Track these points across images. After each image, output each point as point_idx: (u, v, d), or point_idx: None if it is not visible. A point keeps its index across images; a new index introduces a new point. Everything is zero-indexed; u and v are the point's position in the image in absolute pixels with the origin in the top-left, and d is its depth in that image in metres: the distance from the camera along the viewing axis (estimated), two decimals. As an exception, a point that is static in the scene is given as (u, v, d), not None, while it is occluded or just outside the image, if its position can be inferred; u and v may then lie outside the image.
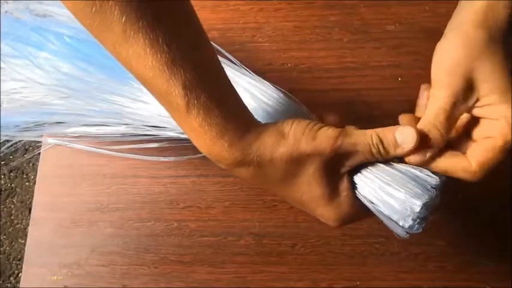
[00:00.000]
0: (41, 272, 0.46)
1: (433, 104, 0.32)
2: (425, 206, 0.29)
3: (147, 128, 0.44)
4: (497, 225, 0.45)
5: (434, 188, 0.29)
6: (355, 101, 0.48)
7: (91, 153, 0.49)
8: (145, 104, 0.44)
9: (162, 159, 0.46)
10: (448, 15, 0.52)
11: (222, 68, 0.31)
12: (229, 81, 0.31)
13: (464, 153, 0.32)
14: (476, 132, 0.33)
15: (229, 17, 0.51)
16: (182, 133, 0.42)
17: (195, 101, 0.28)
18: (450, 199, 0.46)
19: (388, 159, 0.31)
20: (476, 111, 0.33)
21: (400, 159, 0.32)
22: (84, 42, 0.45)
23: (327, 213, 0.33)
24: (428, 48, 0.50)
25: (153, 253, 0.46)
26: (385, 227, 0.46)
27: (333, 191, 0.32)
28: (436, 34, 0.51)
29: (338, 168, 0.32)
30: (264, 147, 0.30)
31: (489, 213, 0.45)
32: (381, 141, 0.31)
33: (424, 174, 0.30)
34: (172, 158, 0.46)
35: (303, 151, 0.30)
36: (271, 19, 0.52)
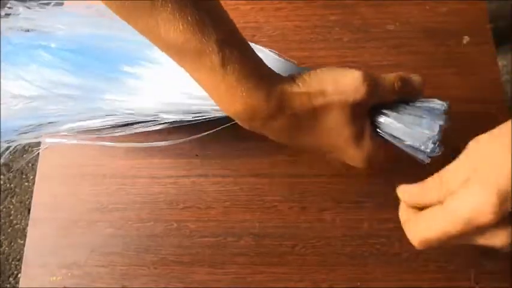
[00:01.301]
0: (40, 272, 0.46)
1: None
2: (440, 128, 0.33)
3: (144, 114, 0.44)
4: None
5: (443, 113, 0.34)
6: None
7: (90, 153, 0.49)
8: (137, 96, 0.44)
9: (159, 143, 0.46)
10: (448, 15, 0.52)
11: None
12: None
13: None
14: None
15: (229, 17, 0.51)
16: (176, 113, 0.43)
17: (230, 55, 0.30)
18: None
19: (405, 96, 0.35)
20: None
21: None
22: (72, 49, 0.46)
23: (356, 154, 0.34)
24: (429, 48, 0.50)
25: (153, 253, 0.46)
26: (385, 227, 0.46)
27: (359, 132, 0.33)
28: (436, 33, 0.51)
29: (362, 108, 0.33)
30: (295, 94, 0.32)
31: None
32: (402, 78, 0.34)
33: (433, 104, 0.34)
34: (171, 142, 0.46)
35: (329, 94, 0.32)
36: (272, 19, 0.52)
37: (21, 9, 0.48)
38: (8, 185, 1.16)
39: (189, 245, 0.46)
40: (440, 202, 0.29)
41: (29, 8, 0.48)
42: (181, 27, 0.28)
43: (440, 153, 0.33)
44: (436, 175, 0.30)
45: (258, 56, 0.33)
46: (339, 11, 0.51)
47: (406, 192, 0.32)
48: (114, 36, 0.46)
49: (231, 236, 0.46)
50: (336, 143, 0.34)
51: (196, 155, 0.48)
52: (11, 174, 1.16)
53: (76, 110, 0.45)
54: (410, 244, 0.44)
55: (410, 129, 0.33)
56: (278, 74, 0.33)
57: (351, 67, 0.49)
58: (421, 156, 0.34)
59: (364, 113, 0.34)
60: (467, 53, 0.49)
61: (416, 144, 0.33)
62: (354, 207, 0.46)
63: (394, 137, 0.34)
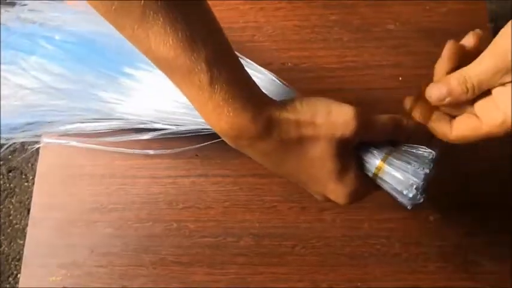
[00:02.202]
0: (39, 272, 0.46)
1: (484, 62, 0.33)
2: (425, 176, 0.33)
3: (140, 121, 0.44)
4: (497, 225, 0.45)
5: (431, 161, 0.34)
6: (355, 100, 0.48)
7: (90, 153, 0.49)
8: (135, 99, 0.44)
9: (158, 152, 0.46)
10: (448, 15, 0.52)
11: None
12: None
13: (454, 115, 0.35)
14: (478, 105, 0.34)
15: (229, 17, 0.51)
16: (173, 125, 0.43)
17: (219, 75, 0.29)
18: (450, 200, 0.46)
19: (396, 138, 0.35)
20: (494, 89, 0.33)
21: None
22: (74, 44, 0.46)
23: (338, 189, 0.34)
24: (428, 48, 0.50)
25: (152, 254, 0.46)
26: (385, 227, 0.46)
27: (343, 167, 0.33)
28: (436, 34, 0.51)
29: (349, 144, 0.33)
30: (284, 120, 0.31)
31: (489, 214, 0.45)
32: (395, 121, 0.34)
33: (422, 151, 0.34)
34: (168, 151, 0.46)
35: (318, 125, 0.32)
36: (271, 18, 0.52)
37: (27, 1, 0.48)
38: (7, 185, 1.16)
39: (189, 245, 0.46)
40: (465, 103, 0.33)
41: (34, -1, 0.48)
42: (171, 42, 0.28)
43: (422, 201, 0.33)
44: (459, 75, 0.33)
45: (248, 76, 0.32)
46: (338, 11, 0.51)
47: (434, 94, 0.34)
48: (117, 34, 0.45)
49: (231, 236, 0.46)
50: (319, 175, 0.33)
51: (196, 155, 0.48)
52: (10, 174, 1.16)
53: (74, 108, 0.45)
54: (411, 244, 0.45)
55: (396, 172, 0.33)
56: (268, 97, 0.33)
57: (350, 67, 0.49)
58: (403, 201, 0.34)
59: (351, 148, 0.34)
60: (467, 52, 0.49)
61: (400, 189, 0.33)
62: (354, 207, 0.46)
63: (379, 177, 0.34)
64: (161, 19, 0.27)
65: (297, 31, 0.51)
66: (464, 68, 0.33)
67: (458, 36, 0.50)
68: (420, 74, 0.49)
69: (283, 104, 0.32)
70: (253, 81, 0.32)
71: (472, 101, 0.34)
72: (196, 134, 0.43)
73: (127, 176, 0.48)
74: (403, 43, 0.50)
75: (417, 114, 0.36)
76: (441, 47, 0.51)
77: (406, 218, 0.45)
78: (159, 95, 0.43)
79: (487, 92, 0.33)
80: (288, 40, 0.51)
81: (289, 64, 0.50)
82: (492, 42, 0.32)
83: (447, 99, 0.33)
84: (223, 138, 0.33)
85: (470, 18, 0.51)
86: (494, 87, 0.32)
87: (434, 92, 0.34)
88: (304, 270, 0.45)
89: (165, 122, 0.43)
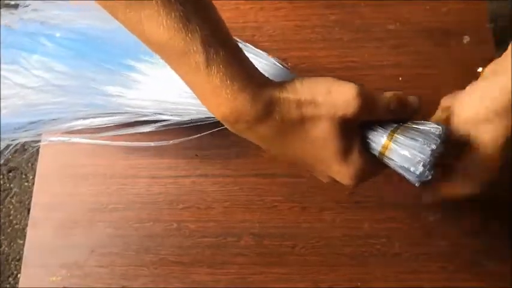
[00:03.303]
0: (39, 272, 0.46)
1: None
2: (432, 153, 0.32)
3: (143, 113, 0.44)
4: (497, 225, 0.45)
5: (438, 137, 0.32)
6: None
7: (90, 153, 0.49)
8: (139, 92, 0.44)
9: (159, 143, 0.46)
10: (448, 15, 0.52)
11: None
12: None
13: None
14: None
15: (229, 17, 0.51)
16: (177, 115, 0.43)
17: (215, 56, 0.28)
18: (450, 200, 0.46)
19: (400, 116, 0.35)
20: None
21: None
22: (74, 41, 0.46)
23: (342, 170, 0.33)
24: (429, 48, 0.50)
25: (153, 254, 0.46)
26: (385, 227, 0.46)
27: (347, 147, 0.32)
28: (436, 34, 0.51)
29: (352, 123, 0.32)
30: (284, 100, 0.31)
31: (490, 214, 0.45)
32: (399, 98, 0.34)
33: (428, 127, 0.33)
34: (171, 142, 0.46)
35: (319, 104, 0.31)
36: (272, 18, 0.51)
37: (29, 1, 0.48)
38: (7, 185, 1.16)
39: (189, 245, 0.46)
40: None
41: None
42: (164, 23, 0.27)
43: (431, 177, 0.32)
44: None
45: (246, 57, 0.32)
46: (339, 11, 0.51)
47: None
48: (119, 30, 0.45)
49: (231, 236, 0.46)
50: (322, 155, 0.32)
51: (196, 155, 0.48)
52: (10, 174, 1.16)
53: (76, 105, 0.45)
54: (411, 244, 0.45)
55: (402, 150, 0.33)
56: (267, 78, 0.32)
57: (351, 67, 0.49)
58: (411, 178, 0.33)
59: (355, 128, 0.33)
60: (467, 53, 0.49)
61: (407, 166, 0.32)
62: (354, 207, 0.46)
63: (385, 156, 0.33)
64: (153, 1, 0.27)
65: (297, 31, 0.51)
66: None
67: (459, 36, 0.50)
68: (420, 74, 0.49)
69: (282, 84, 0.32)
70: (251, 62, 0.32)
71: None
72: (200, 123, 0.42)
73: (127, 175, 0.48)
74: (403, 43, 0.50)
75: None
76: (441, 47, 0.51)
77: (407, 218, 0.45)
78: (162, 86, 0.43)
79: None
80: (288, 40, 0.51)
81: (289, 64, 0.50)
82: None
83: None
84: (223, 123, 0.32)
85: (471, 18, 0.51)
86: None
87: None
88: (304, 270, 0.45)
89: (168, 113, 0.43)
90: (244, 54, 0.31)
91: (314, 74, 0.49)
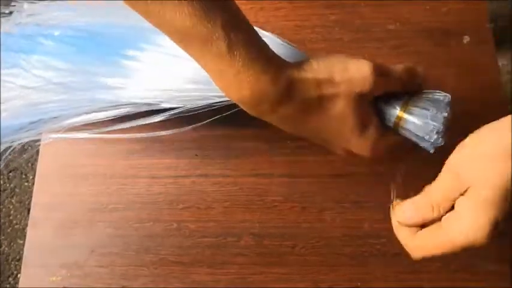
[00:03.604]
0: (39, 272, 0.46)
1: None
2: (444, 120, 0.34)
3: (147, 103, 0.44)
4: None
5: (447, 104, 0.35)
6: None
7: (90, 153, 0.49)
8: (140, 81, 0.44)
9: (162, 133, 0.46)
10: (448, 15, 0.52)
11: None
12: None
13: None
14: (444, 218, 0.31)
15: (229, 17, 0.51)
16: (179, 104, 0.42)
17: (236, 40, 0.29)
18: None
19: (410, 87, 0.36)
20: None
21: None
22: (72, 37, 0.46)
23: (360, 143, 0.34)
24: (429, 48, 0.50)
25: (153, 254, 0.46)
26: (385, 227, 0.45)
27: (364, 121, 0.34)
28: (436, 34, 0.51)
29: (368, 98, 0.34)
30: (304, 80, 0.32)
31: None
32: (409, 69, 0.35)
33: (437, 96, 0.35)
34: (173, 131, 0.46)
35: (337, 83, 0.32)
36: (272, 18, 0.52)
37: (25, 5, 0.48)
38: (7, 185, 1.16)
39: (189, 245, 0.46)
40: (434, 220, 0.31)
41: (33, 2, 0.48)
42: (186, 11, 0.28)
43: (443, 143, 0.34)
44: (424, 194, 0.31)
45: (263, 40, 0.32)
46: (339, 11, 0.51)
47: (400, 217, 0.32)
48: (116, 23, 0.45)
49: (231, 236, 0.46)
50: (341, 131, 0.34)
51: (196, 155, 0.48)
52: (11, 174, 1.16)
53: (78, 101, 0.45)
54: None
55: (416, 119, 0.34)
56: (284, 60, 0.33)
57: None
58: (425, 146, 0.35)
59: (370, 102, 0.34)
60: (467, 53, 0.49)
61: (421, 135, 0.34)
62: (354, 207, 0.46)
63: (400, 126, 0.35)
64: None
65: (297, 31, 0.51)
66: (428, 186, 0.32)
67: (459, 36, 0.50)
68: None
69: (300, 64, 0.33)
70: (267, 44, 0.33)
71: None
72: (206, 109, 0.42)
73: (127, 175, 0.48)
74: (403, 43, 0.50)
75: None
76: (441, 47, 0.51)
77: (407, 218, 0.45)
78: (164, 74, 0.43)
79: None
80: (288, 40, 0.51)
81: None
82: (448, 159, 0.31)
83: (414, 220, 0.32)
84: (243, 107, 0.33)
85: (471, 18, 0.51)
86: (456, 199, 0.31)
87: (400, 214, 0.32)
88: (304, 270, 0.45)
89: (173, 101, 0.43)
90: (261, 37, 0.32)
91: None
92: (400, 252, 0.44)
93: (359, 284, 0.44)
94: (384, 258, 0.44)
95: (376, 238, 0.45)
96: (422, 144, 0.35)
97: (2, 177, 1.17)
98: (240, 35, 0.29)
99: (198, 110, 0.42)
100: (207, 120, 0.44)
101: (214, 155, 0.48)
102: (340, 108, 0.33)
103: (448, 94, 0.35)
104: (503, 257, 0.44)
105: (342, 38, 0.50)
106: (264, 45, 0.32)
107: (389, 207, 0.34)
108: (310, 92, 0.32)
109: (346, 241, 0.45)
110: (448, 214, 0.31)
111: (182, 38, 0.30)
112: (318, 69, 0.32)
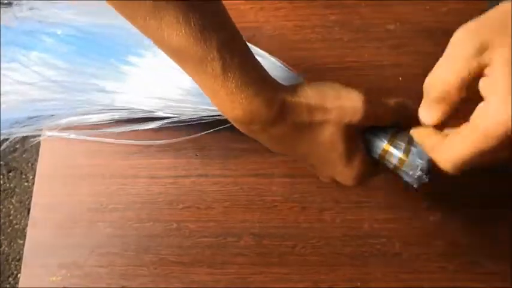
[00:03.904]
0: (39, 272, 0.46)
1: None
2: (430, 158, 0.33)
3: (142, 110, 0.44)
4: (497, 225, 0.45)
5: None
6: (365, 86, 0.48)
7: (90, 153, 0.49)
8: (137, 88, 0.44)
9: (157, 142, 0.46)
10: (448, 15, 0.52)
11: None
12: None
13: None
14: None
15: (229, 17, 0.51)
16: (175, 114, 0.43)
17: (231, 62, 0.30)
18: (451, 200, 0.46)
19: (401, 121, 0.35)
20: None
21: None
22: (73, 37, 0.46)
23: (345, 171, 0.34)
24: (429, 48, 0.50)
25: (153, 254, 0.46)
26: (385, 227, 0.46)
27: (352, 150, 0.34)
28: (436, 34, 0.51)
29: (357, 128, 0.34)
30: (296, 104, 0.32)
31: (490, 214, 0.45)
32: (402, 104, 0.35)
33: None
34: (170, 141, 0.46)
35: (328, 110, 0.32)
36: (272, 18, 0.51)
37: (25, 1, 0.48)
38: (7, 185, 1.16)
39: (189, 245, 0.46)
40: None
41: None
42: (183, 31, 0.28)
43: (428, 181, 0.33)
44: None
45: (259, 62, 0.33)
46: (338, 11, 0.51)
47: (427, 116, 0.31)
48: (118, 25, 0.45)
49: (231, 236, 0.46)
50: (328, 158, 0.34)
51: (196, 155, 0.48)
52: (10, 174, 1.16)
53: (75, 101, 0.45)
54: (411, 244, 0.45)
55: (402, 154, 0.34)
56: (278, 82, 0.34)
57: (351, 67, 0.49)
58: (410, 181, 0.34)
59: (359, 132, 0.34)
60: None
61: (406, 170, 0.34)
62: (354, 207, 0.46)
63: (385, 159, 0.35)
64: (173, 9, 0.28)
65: (297, 31, 0.51)
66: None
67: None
68: (420, 74, 0.48)
69: (293, 88, 0.33)
70: (262, 66, 0.33)
71: None
72: (199, 122, 0.42)
73: (127, 175, 0.48)
74: (403, 43, 0.50)
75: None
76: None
77: (406, 218, 0.45)
78: (161, 83, 0.43)
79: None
80: (288, 40, 0.51)
81: (290, 64, 0.50)
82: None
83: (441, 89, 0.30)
84: (235, 125, 0.33)
85: (471, 18, 0.51)
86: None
87: (426, 95, 0.31)
88: (304, 270, 0.45)
89: (168, 111, 0.43)
90: (256, 58, 0.32)
91: (314, 74, 0.49)
92: (400, 252, 0.45)
93: (359, 284, 0.44)
94: (384, 258, 0.44)
95: (376, 238, 0.45)
96: (407, 179, 0.34)
97: (2, 177, 1.17)
98: (235, 58, 0.30)
99: (194, 121, 0.43)
100: (199, 134, 0.45)
101: (214, 155, 0.48)
102: (329, 135, 0.33)
103: None
104: (503, 257, 0.44)
105: (342, 38, 0.50)
106: (259, 67, 0.32)
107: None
108: (301, 116, 0.32)
109: (346, 241, 0.45)
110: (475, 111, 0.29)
111: (178, 56, 0.31)
112: (311, 94, 0.33)
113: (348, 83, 0.49)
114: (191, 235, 0.46)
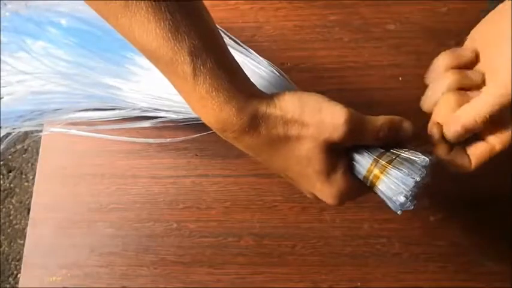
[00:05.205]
0: (39, 272, 0.46)
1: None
2: (416, 184, 0.31)
3: (143, 108, 0.44)
4: (497, 225, 0.45)
5: (424, 168, 0.32)
6: (356, 100, 0.48)
7: (90, 153, 0.49)
8: (139, 86, 0.44)
9: (158, 141, 0.46)
10: (448, 15, 0.52)
11: (223, 38, 0.31)
12: (229, 51, 0.32)
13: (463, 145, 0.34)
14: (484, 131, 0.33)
15: (228, 17, 0.51)
16: (177, 113, 0.43)
17: (202, 67, 0.29)
18: (451, 200, 0.46)
19: (390, 142, 0.33)
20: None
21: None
22: (79, 29, 0.45)
23: (325, 189, 0.33)
24: (428, 48, 0.50)
25: (153, 254, 0.46)
26: (385, 227, 0.46)
27: (331, 168, 0.32)
28: (436, 33, 0.51)
29: (338, 146, 0.32)
30: (270, 115, 0.31)
31: (490, 214, 0.45)
32: (392, 124, 0.33)
33: (414, 156, 0.32)
34: (170, 140, 0.46)
35: (306, 124, 0.31)
36: (271, 18, 0.51)
37: None
38: (7, 185, 1.16)
39: (189, 245, 0.46)
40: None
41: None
42: (153, 32, 0.28)
43: (412, 208, 0.31)
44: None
45: (236, 67, 0.31)
46: (338, 11, 0.51)
47: (451, 134, 0.33)
48: None
49: (231, 236, 0.46)
50: (305, 173, 0.32)
51: (196, 155, 0.48)
52: (10, 174, 1.16)
53: (77, 96, 0.45)
54: (411, 244, 0.45)
55: (386, 178, 0.32)
56: (258, 90, 0.32)
57: (351, 67, 0.49)
58: (392, 206, 0.32)
59: (341, 149, 0.33)
60: (467, 52, 0.49)
61: (389, 195, 0.32)
62: (354, 207, 0.46)
63: (370, 180, 0.33)
64: (144, 8, 0.27)
65: (297, 31, 0.51)
66: (472, 102, 0.32)
67: (459, 36, 0.50)
68: (421, 74, 0.48)
69: (272, 98, 0.31)
70: (242, 72, 0.32)
71: None
72: (197, 122, 0.42)
73: (127, 175, 0.48)
74: (403, 43, 0.50)
75: (439, 151, 0.34)
76: (441, 47, 0.51)
77: (406, 218, 0.45)
78: (164, 81, 0.43)
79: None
80: (288, 40, 0.51)
81: (289, 64, 0.50)
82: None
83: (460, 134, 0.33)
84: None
85: (470, 18, 0.51)
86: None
87: (450, 131, 0.33)
88: (304, 270, 0.45)
89: (166, 109, 0.43)
90: (235, 63, 0.31)
91: (314, 74, 0.49)
92: (400, 252, 0.45)
93: (359, 284, 0.44)
94: (384, 258, 0.44)
95: (376, 238, 0.45)
96: (389, 203, 0.32)
97: (2, 177, 1.17)
98: (207, 63, 0.29)
99: (194, 121, 0.42)
100: (199, 134, 0.45)
101: (214, 155, 0.48)
102: (306, 150, 0.31)
103: (428, 157, 0.32)
104: (503, 257, 0.44)
105: (342, 38, 0.50)
106: (234, 73, 0.31)
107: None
108: (276, 129, 0.31)
109: (346, 241, 0.45)
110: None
111: (149, 56, 0.30)
112: (290, 106, 0.31)
113: (348, 83, 0.50)
114: (191, 235, 0.46)
